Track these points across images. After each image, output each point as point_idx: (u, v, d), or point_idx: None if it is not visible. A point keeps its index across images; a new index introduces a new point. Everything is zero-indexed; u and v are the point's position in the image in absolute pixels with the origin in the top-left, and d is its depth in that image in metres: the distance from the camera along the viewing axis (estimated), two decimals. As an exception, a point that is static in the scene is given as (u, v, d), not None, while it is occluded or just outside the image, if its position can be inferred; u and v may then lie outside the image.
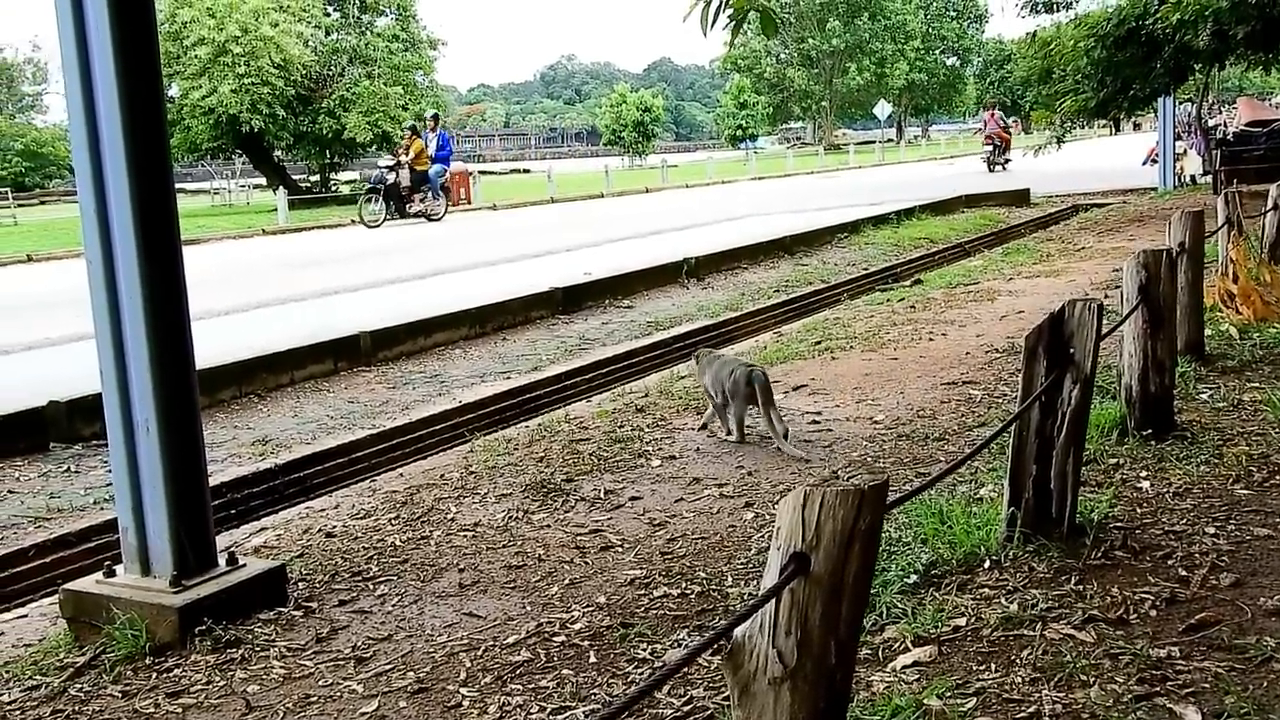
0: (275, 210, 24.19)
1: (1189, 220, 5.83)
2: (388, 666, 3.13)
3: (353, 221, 21.94)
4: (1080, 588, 3.22)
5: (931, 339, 7.36)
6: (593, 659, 3.09)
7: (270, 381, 8.03)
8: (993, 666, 2.82)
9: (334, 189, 32.64)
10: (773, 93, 67.55)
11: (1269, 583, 3.20)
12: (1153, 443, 4.56)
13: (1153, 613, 3.05)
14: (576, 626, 3.30)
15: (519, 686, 2.95)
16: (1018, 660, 2.84)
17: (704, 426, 5.41)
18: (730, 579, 3.57)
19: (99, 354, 3.54)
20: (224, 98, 28.11)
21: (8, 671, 3.28)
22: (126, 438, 3.52)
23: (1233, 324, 6.60)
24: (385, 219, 21.47)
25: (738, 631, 1.90)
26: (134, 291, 3.44)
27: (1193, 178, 20.64)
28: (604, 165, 35.90)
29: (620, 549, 3.92)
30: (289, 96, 29.45)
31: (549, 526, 4.20)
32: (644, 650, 3.11)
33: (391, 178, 21.96)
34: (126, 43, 3.36)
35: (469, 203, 27.52)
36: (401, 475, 5.16)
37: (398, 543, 4.12)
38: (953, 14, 74.94)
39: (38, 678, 3.21)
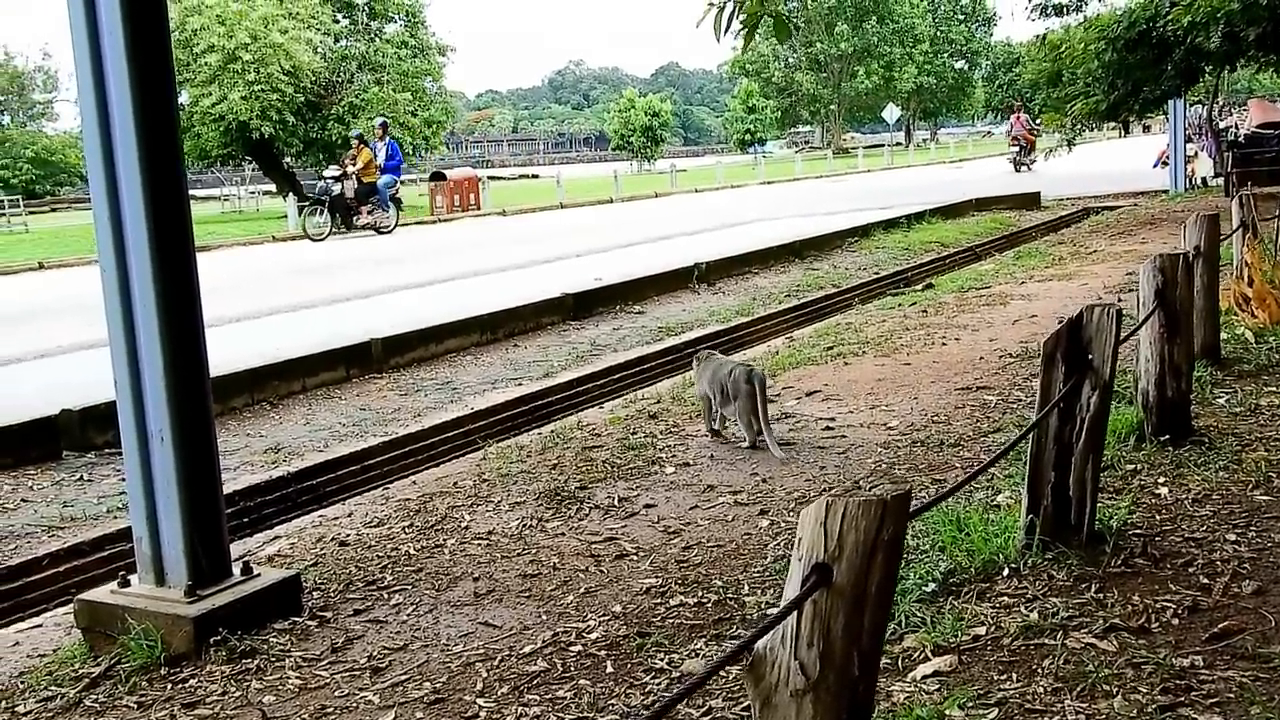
0: (285, 217, 24.22)
1: (1204, 224, 5.79)
2: (404, 677, 3.11)
3: (295, 237, 21.06)
4: (1101, 596, 3.19)
5: (944, 343, 7.33)
6: (610, 669, 3.07)
7: (282, 388, 8.03)
8: (1014, 676, 2.79)
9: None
10: (781, 97, 67.52)
11: (1292, 590, 3.17)
12: (1170, 448, 4.52)
13: (1175, 621, 3.03)
14: (593, 636, 3.28)
15: (536, 697, 2.94)
16: (1039, 670, 2.81)
17: (717, 432, 5.40)
18: (747, 587, 3.55)
19: (113, 363, 3.53)
20: (234, 104, 28.18)
21: (23, 682, 3.28)
22: (141, 447, 3.52)
23: (1248, 327, 6.57)
24: (330, 232, 20.67)
25: (759, 643, 1.89)
26: (148, 299, 3.44)
27: (1204, 180, 20.57)
28: (613, 170, 35.86)
29: (635, 557, 3.91)
30: (298, 103, 29.50)
31: (563, 534, 4.18)
32: (661, 660, 3.09)
33: (337, 189, 21.07)
34: (140, 52, 3.35)
35: (478, 208, 27.55)
36: (414, 483, 5.15)
37: (412, 551, 4.11)
38: (961, 17, 74.82)
39: (53, 688, 3.20)
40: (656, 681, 2.97)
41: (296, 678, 3.14)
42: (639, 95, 60.43)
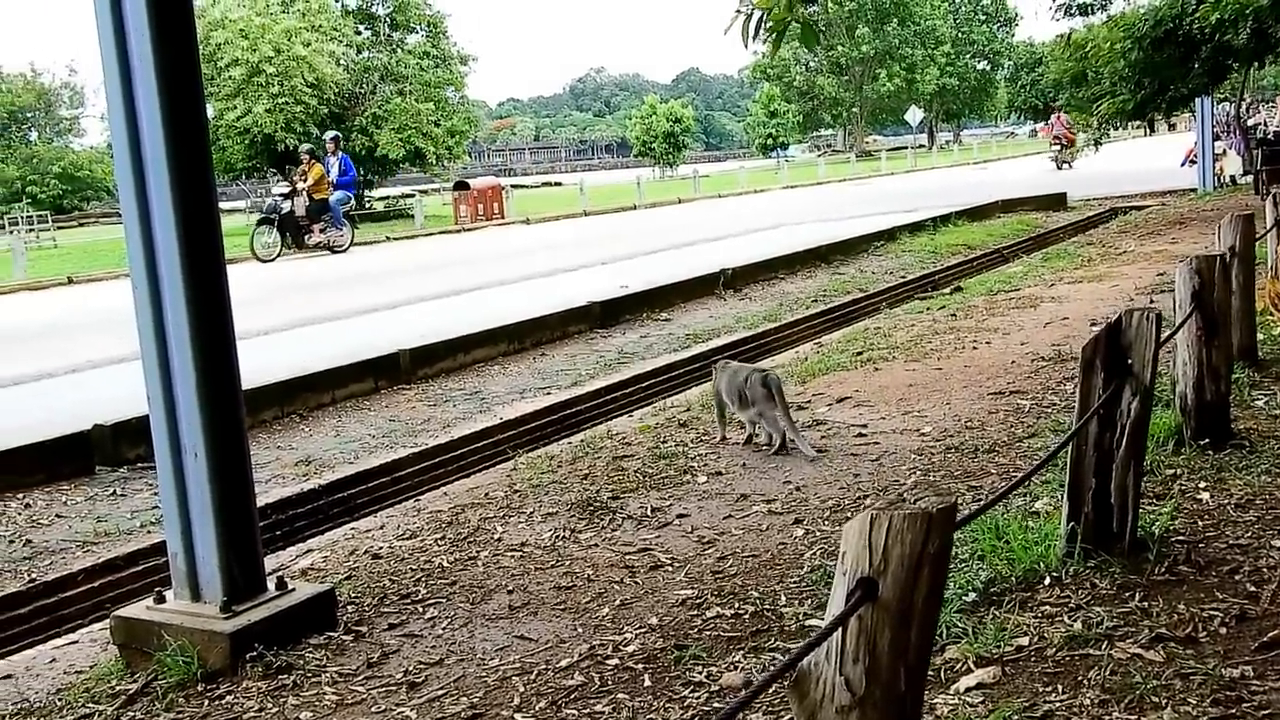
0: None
1: (1239, 223, 5.72)
2: (440, 692, 3.09)
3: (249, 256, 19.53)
4: (1145, 605, 3.13)
5: (975, 348, 7.26)
6: (647, 682, 3.04)
7: (311, 401, 8.05)
8: (1059, 688, 2.75)
9: (369, 206, 32.84)
10: (803, 101, 67.48)
11: (1342, 597, 3.11)
12: (1210, 452, 4.45)
13: (1222, 630, 2.97)
14: (630, 649, 3.25)
15: (574, 712, 2.91)
16: (1085, 681, 2.76)
17: (749, 440, 5.37)
18: (784, 598, 3.52)
19: (145, 378, 3.53)
20: (258, 117, 28.41)
21: (61, 699, 3.28)
22: (174, 462, 3.51)
23: (1285, 328, 6.48)
24: (281, 251, 19.61)
25: (804, 659, 1.85)
26: (179, 314, 3.43)
27: (1233, 178, 20.37)
28: (635, 177, 35.90)
29: (670, 568, 3.88)
30: (322, 115, 29.70)
31: (597, 546, 4.16)
32: (699, 674, 3.05)
33: (286, 206, 19.91)
34: (168, 67, 3.35)
35: (502, 217, 27.63)
36: (445, 494, 5.14)
37: (445, 564, 4.09)
38: (982, 18, 74.60)
39: (90, 705, 3.20)
40: (695, 695, 2.94)
41: (333, 693, 3.13)
42: (660, 101, 60.42)
